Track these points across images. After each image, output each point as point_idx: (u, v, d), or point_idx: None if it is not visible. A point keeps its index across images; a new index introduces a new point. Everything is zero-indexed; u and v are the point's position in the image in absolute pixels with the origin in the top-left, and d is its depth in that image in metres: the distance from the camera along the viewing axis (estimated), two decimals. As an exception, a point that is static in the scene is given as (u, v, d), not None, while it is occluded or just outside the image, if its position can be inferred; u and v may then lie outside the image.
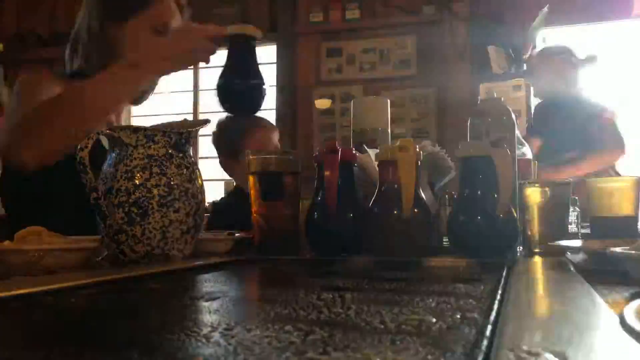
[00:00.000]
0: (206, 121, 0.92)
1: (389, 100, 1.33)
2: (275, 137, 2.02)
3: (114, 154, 0.84)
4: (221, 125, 2.08)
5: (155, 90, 1.44)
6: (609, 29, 3.69)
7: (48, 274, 0.69)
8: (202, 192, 0.89)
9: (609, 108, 2.57)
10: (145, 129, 0.84)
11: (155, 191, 0.82)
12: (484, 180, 0.91)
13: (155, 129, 0.85)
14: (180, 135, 0.86)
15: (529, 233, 1.04)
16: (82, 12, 1.35)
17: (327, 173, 0.95)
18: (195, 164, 0.90)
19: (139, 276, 0.69)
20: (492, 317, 0.41)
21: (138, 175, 0.82)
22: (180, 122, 0.91)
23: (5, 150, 1.16)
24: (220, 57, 1.14)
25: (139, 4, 1.30)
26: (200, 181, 0.89)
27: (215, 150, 2.11)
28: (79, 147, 0.81)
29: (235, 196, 2.03)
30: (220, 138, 2.06)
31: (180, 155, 0.86)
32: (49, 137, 1.08)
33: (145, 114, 4.34)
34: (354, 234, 0.97)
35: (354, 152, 1.04)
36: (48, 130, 1.08)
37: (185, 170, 0.86)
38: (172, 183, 0.83)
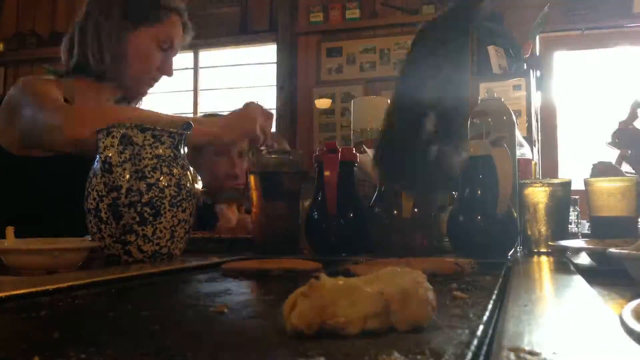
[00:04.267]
0: (189, 124, 0.92)
1: (389, 100, 1.33)
2: (243, 142, 1.99)
3: (116, 152, 0.83)
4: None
5: (155, 90, 1.47)
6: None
7: (48, 274, 0.69)
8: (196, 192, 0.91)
9: None
10: (152, 128, 0.84)
11: (167, 191, 0.82)
12: (485, 179, 0.91)
13: (161, 129, 0.85)
14: (180, 137, 0.87)
15: (529, 233, 1.03)
16: (91, 8, 1.35)
17: (327, 173, 0.95)
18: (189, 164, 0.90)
19: (138, 276, 0.69)
20: (493, 317, 0.41)
21: (150, 175, 0.82)
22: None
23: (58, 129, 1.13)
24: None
25: (155, 16, 1.33)
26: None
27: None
28: (103, 145, 0.80)
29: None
30: None
31: (181, 155, 0.87)
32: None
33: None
34: (353, 234, 0.97)
35: (354, 152, 1.04)
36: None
37: (187, 170, 0.87)
38: (180, 183, 0.84)
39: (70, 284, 0.58)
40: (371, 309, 0.36)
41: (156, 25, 1.33)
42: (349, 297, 0.36)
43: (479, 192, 0.92)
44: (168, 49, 1.36)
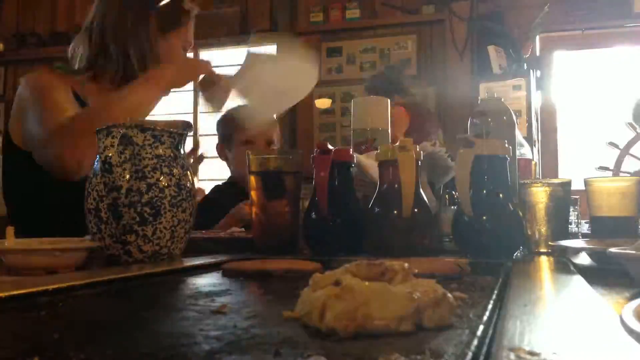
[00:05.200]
0: (189, 124, 0.92)
1: (389, 100, 1.33)
2: (271, 131, 2.00)
3: (115, 152, 0.83)
4: (227, 112, 2.09)
5: None
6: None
7: (48, 274, 0.69)
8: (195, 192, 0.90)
9: None
10: (152, 128, 0.84)
11: (167, 191, 0.82)
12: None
13: (162, 129, 0.85)
14: (180, 136, 0.87)
15: (529, 233, 1.03)
16: (111, 9, 1.35)
17: (321, 173, 0.95)
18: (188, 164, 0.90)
19: (138, 276, 0.69)
20: (493, 317, 0.41)
21: (150, 175, 0.81)
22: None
23: (50, 157, 1.17)
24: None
25: (180, 21, 1.42)
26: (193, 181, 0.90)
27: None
28: (103, 145, 0.80)
29: (227, 187, 2.02)
30: (220, 123, 2.07)
31: (181, 155, 0.87)
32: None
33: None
34: (349, 234, 0.97)
35: (350, 152, 1.03)
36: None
37: (187, 170, 0.87)
38: (180, 183, 0.84)
39: (70, 284, 0.58)
40: (403, 310, 0.37)
41: (179, 30, 1.41)
42: (380, 298, 0.37)
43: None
44: (188, 48, 1.45)
